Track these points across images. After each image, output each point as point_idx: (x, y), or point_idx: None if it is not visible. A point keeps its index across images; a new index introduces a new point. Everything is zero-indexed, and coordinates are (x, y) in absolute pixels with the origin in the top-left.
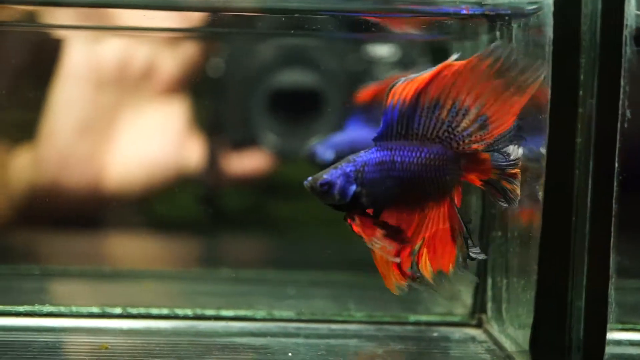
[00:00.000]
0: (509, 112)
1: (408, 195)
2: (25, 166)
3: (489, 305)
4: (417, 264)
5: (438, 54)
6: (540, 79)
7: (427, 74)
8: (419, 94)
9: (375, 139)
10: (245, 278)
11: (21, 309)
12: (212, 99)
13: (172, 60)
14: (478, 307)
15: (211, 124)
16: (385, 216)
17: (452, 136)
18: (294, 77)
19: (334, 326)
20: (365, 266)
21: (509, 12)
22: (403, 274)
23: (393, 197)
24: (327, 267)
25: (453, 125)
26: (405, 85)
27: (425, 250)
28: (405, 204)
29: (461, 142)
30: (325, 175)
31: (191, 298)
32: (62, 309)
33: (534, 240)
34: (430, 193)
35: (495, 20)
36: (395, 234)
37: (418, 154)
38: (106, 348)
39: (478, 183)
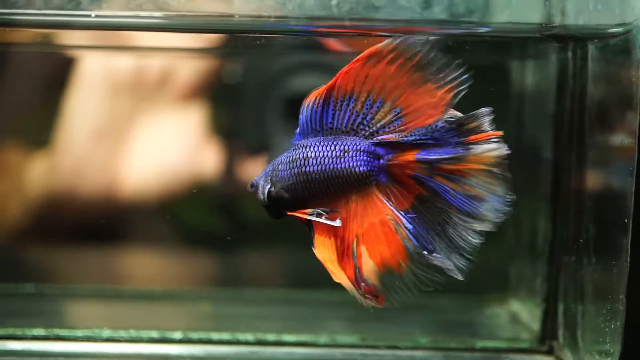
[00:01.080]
0: (426, 106)
1: (326, 189)
2: (43, 173)
3: (561, 332)
4: (359, 267)
5: (498, 73)
6: (460, 80)
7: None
8: (332, 89)
9: (294, 139)
10: (298, 299)
11: (80, 333)
12: (229, 105)
13: (189, 67)
14: (548, 334)
15: (228, 131)
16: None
17: (367, 128)
18: (311, 83)
19: (400, 353)
20: None
21: (585, 32)
22: (357, 283)
23: (311, 192)
24: None
25: (368, 117)
26: (321, 87)
27: (364, 248)
28: (326, 198)
29: (375, 134)
30: (256, 177)
31: (249, 321)
32: (122, 334)
33: (619, 268)
34: (349, 185)
35: (567, 40)
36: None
37: (332, 147)
38: None
39: (408, 181)
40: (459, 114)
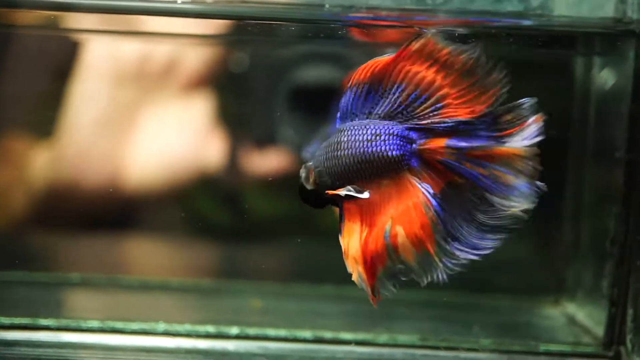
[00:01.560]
0: (467, 107)
1: (358, 172)
2: (47, 163)
3: (629, 337)
4: (394, 247)
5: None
6: (501, 86)
7: (389, 57)
8: (381, 76)
9: (335, 123)
10: (348, 295)
11: (135, 326)
12: (235, 95)
13: (194, 56)
14: (615, 339)
15: (234, 121)
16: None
17: (404, 115)
18: (319, 74)
19: (462, 355)
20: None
21: None
22: (371, 275)
23: (343, 175)
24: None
25: (409, 108)
26: (362, 69)
27: (400, 230)
28: (359, 182)
29: (411, 120)
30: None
31: (309, 318)
32: (178, 328)
33: None
34: (381, 169)
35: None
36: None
37: (364, 131)
38: None
39: (439, 166)
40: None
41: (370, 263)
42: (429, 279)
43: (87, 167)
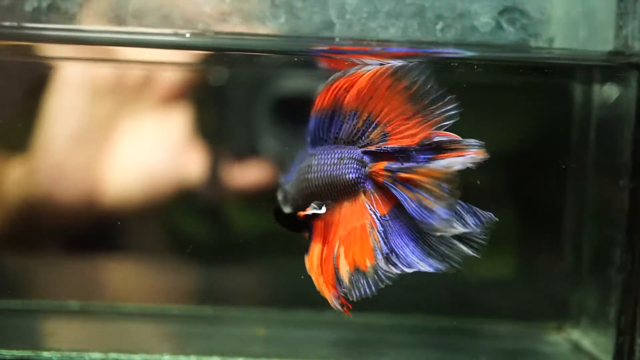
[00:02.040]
0: (409, 135)
1: (326, 194)
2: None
3: None
4: (337, 267)
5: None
6: (447, 115)
7: (343, 80)
8: (341, 102)
9: (307, 148)
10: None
11: (138, 358)
12: (214, 108)
13: (172, 70)
14: None
15: (213, 135)
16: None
17: (362, 141)
18: (299, 84)
19: None
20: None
21: None
22: (335, 287)
23: (313, 197)
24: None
25: (365, 134)
26: (323, 95)
27: (342, 249)
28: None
29: (365, 144)
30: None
31: (307, 346)
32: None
33: None
34: (343, 191)
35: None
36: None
37: (331, 155)
38: None
39: (385, 188)
40: (445, 138)
41: (325, 280)
42: (359, 295)
43: (63, 183)
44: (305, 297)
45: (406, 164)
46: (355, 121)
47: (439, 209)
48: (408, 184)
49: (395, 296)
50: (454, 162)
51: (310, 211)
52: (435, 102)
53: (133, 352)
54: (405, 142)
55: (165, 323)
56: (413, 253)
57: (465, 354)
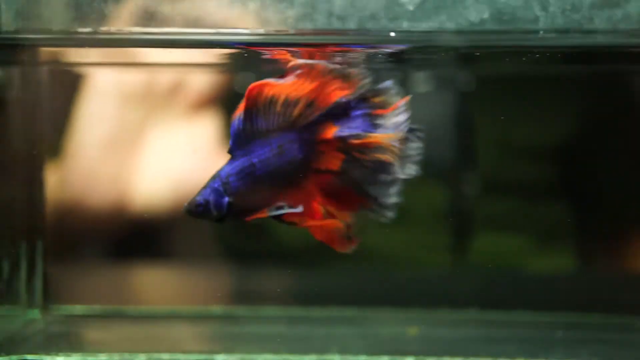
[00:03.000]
0: (335, 90)
1: (281, 184)
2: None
3: None
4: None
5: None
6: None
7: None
8: (254, 98)
9: (229, 151)
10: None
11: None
12: None
13: (200, 76)
14: None
15: None
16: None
17: (289, 122)
18: None
19: None
20: None
21: None
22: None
23: (269, 192)
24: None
25: (287, 113)
26: (245, 99)
27: (330, 208)
28: (284, 191)
29: (297, 124)
30: (198, 197)
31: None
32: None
33: None
34: (296, 172)
35: None
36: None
37: (269, 148)
38: None
39: (338, 156)
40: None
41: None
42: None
43: (93, 189)
44: (446, 295)
45: (355, 130)
46: (272, 108)
47: (399, 164)
48: (361, 148)
49: (542, 294)
50: (398, 121)
51: (273, 212)
52: (349, 71)
53: (305, 354)
54: (332, 98)
55: (305, 325)
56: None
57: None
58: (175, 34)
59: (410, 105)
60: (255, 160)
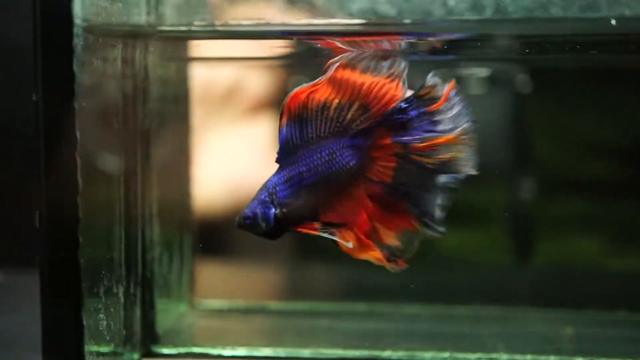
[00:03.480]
0: (386, 95)
1: (329, 192)
2: None
3: None
4: (379, 239)
5: None
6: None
7: (307, 86)
8: (304, 104)
9: (277, 160)
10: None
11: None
12: None
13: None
14: None
15: None
16: (324, 217)
17: (341, 127)
18: None
19: None
20: None
21: None
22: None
23: (317, 201)
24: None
25: (340, 119)
26: (289, 102)
27: (378, 224)
28: (333, 201)
29: (349, 129)
30: (246, 209)
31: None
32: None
33: None
34: (346, 181)
35: None
36: (338, 226)
37: (319, 155)
38: None
39: (392, 161)
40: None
41: (371, 253)
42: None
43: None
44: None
45: (417, 134)
46: (325, 113)
47: (465, 157)
48: (429, 150)
49: None
50: (457, 114)
51: (326, 234)
52: (388, 66)
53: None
54: (386, 105)
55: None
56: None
57: None
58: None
59: (459, 92)
60: (303, 169)
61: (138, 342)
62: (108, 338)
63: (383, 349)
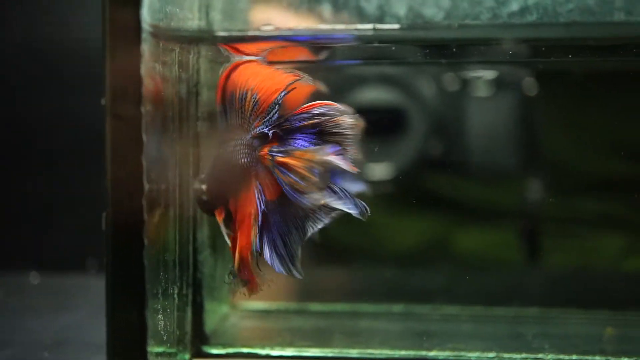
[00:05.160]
0: (273, 87)
1: (231, 181)
2: None
3: None
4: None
5: None
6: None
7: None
8: (225, 89)
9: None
10: None
11: None
12: None
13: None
14: None
15: None
16: (230, 203)
17: (244, 121)
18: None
19: None
20: None
21: None
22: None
23: (223, 185)
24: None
25: (242, 110)
26: (219, 86)
27: (238, 235)
28: (232, 188)
29: (251, 125)
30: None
31: None
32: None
33: None
34: (241, 176)
35: None
36: (227, 219)
37: (232, 142)
38: None
39: (273, 178)
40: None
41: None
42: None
43: None
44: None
45: (286, 147)
46: (234, 103)
47: (310, 193)
48: (284, 167)
49: None
50: (331, 158)
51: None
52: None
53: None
54: (271, 98)
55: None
56: (275, 250)
57: None
58: None
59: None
60: (221, 150)
61: (189, 342)
62: (165, 338)
63: (429, 349)
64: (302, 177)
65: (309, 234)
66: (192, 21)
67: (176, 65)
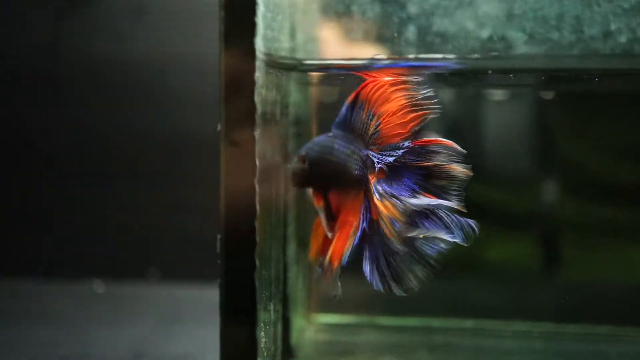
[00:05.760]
0: (397, 128)
1: (339, 180)
2: None
3: None
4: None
5: None
6: (428, 109)
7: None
8: (357, 96)
9: (333, 125)
10: None
11: None
12: None
13: None
14: None
15: None
16: (331, 195)
17: (365, 136)
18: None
19: None
20: None
21: None
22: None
23: (330, 177)
24: None
25: (365, 127)
26: (360, 87)
27: (336, 237)
28: (338, 187)
29: (369, 145)
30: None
31: None
32: None
33: None
34: (351, 184)
35: None
36: (328, 212)
37: (348, 146)
38: None
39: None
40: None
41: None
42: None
43: None
44: None
45: (388, 186)
46: (361, 113)
47: (393, 240)
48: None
49: None
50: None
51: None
52: (421, 99)
53: None
54: (392, 138)
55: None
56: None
57: None
58: None
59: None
60: (336, 145)
61: (279, 356)
62: (265, 354)
63: None
64: (386, 224)
65: (423, 258)
66: (283, 43)
67: (274, 88)
